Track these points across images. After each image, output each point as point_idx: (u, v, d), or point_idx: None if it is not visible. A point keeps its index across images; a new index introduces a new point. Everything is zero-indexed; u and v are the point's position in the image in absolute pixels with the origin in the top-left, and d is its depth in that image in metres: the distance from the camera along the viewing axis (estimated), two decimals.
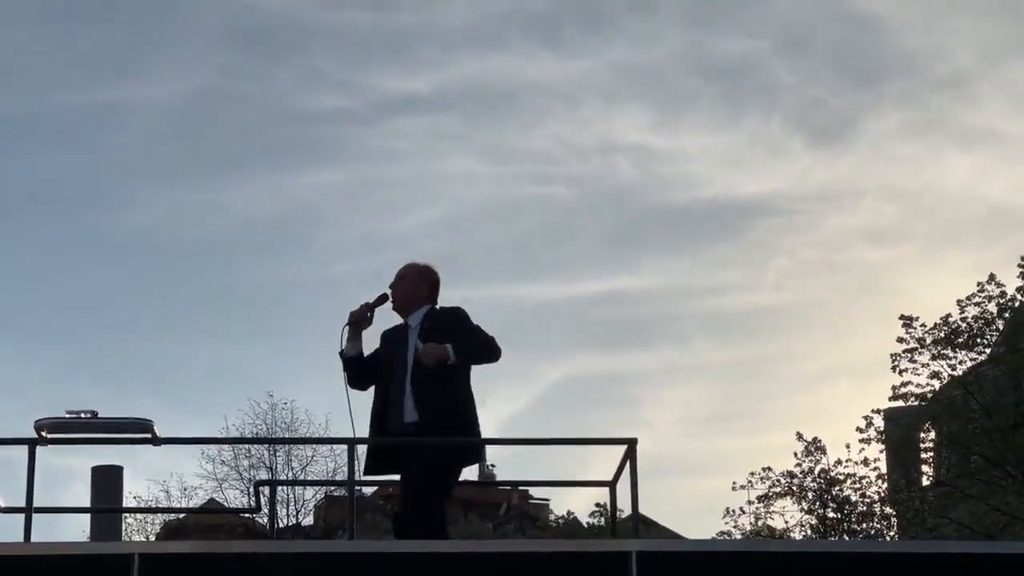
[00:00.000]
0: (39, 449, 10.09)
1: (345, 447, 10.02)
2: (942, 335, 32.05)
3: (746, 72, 40.45)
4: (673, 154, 42.71)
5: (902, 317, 32.45)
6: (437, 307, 10.31)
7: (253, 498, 11.98)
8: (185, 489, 38.80)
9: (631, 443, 9.82)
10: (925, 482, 34.58)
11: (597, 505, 38.21)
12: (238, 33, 36.66)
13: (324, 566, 8.98)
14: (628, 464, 9.74)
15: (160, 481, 37.18)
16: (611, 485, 10.44)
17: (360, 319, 10.12)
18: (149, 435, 10.39)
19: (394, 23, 38.10)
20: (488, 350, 10.00)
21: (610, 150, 41.56)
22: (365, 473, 10.15)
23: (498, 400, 41.46)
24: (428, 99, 40.68)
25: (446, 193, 37.28)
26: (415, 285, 10.29)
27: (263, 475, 36.99)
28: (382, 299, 10.23)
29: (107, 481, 13.13)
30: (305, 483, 48.23)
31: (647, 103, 43.16)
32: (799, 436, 35.66)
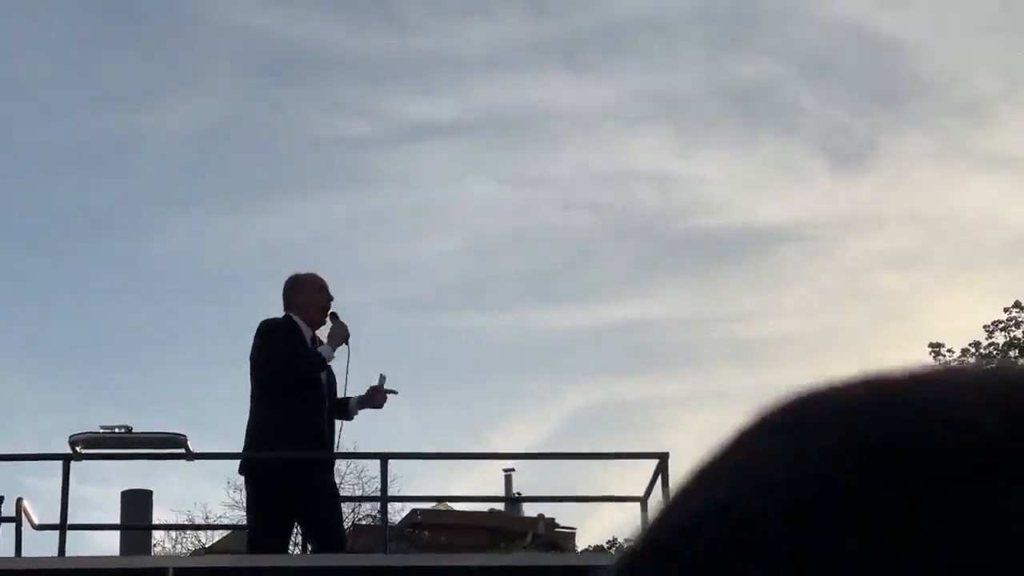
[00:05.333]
0: (73, 464, 10.15)
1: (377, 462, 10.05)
2: (972, 361, 31.98)
3: (766, 96, 40.43)
4: (694, 180, 42.71)
5: (931, 345, 32.40)
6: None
7: None
8: (208, 518, 38.85)
9: (663, 457, 9.82)
10: None
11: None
12: (259, 59, 36.74)
13: None
14: (660, 479, 9.73)
15: (185, 511, 37.13)
16: (642, 500, 10.45)
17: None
18: (183, 450, 10.44)
19: (415, 48, 38.14)
20: None
21: (631, 176, 41.53)
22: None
23: (520, 426, 41.42)
24: (449, 125, 40.74)
25: (467, 219, 37.31)
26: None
27: None
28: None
29: (137, 505, 13.16)
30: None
31: (668, 128, 43.15)
32: None
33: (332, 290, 9.55)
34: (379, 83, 38.81)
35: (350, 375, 9.54)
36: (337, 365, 9.51)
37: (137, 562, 9.61)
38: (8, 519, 10.23)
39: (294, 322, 9.38)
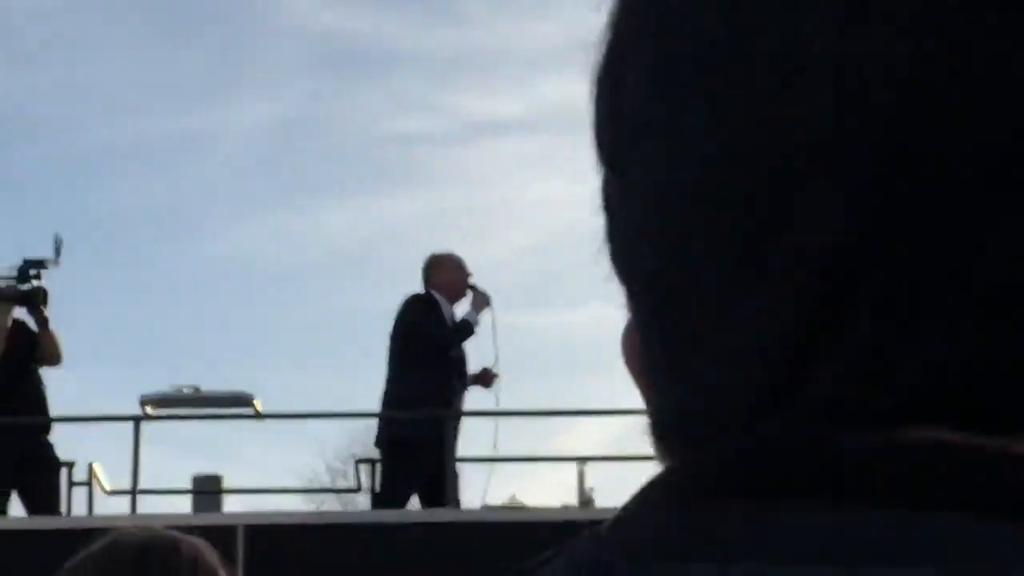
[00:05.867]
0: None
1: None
2: None
3: None
4: None
5: None
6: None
7: (354, 477, 12.06)
8: (280, 481, 39.15)
9: None
10: None
11: None
12: (325, 56, 36.72)
13: (427, 534, 9.02)
14: None
15: (254, 476, 37.38)
16: None
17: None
18: (251, 409, 10.48)
19: (480, 45, 38.03)
20: None
21: None
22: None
23: (591, 428, 41.44)
24: (515, 121, 40.63)
25: (536, 216, 37.27)
26: None
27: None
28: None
29: (207, 487, 13.23)
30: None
31: None
32: None
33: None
34: (444, 80, 38.74)
35: (497, 336, 10.05)
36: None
37: (208, 519, 9.66)
38: (80, 483, 10.31)
39: (436, 298, 9.78)
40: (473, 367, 10.13)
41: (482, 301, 9.94)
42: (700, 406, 0.53)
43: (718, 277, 0.52)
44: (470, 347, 10.06)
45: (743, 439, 0.50)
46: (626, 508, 0.53)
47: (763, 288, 0.50)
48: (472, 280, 10.02)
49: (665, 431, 0.56)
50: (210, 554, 2.06)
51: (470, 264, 10.04)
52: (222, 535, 9.10)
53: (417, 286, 9.93)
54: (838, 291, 0.49)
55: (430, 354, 9.67)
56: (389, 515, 9.46)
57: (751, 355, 0.51)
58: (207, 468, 13.16)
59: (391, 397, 9.82)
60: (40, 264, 9.41)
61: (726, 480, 0.50)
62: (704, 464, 0.51)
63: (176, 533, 2.09)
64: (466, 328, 9.89)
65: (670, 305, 0.54)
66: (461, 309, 9.95)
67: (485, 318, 9.97)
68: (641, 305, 0.56)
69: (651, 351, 0.56)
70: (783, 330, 0.50)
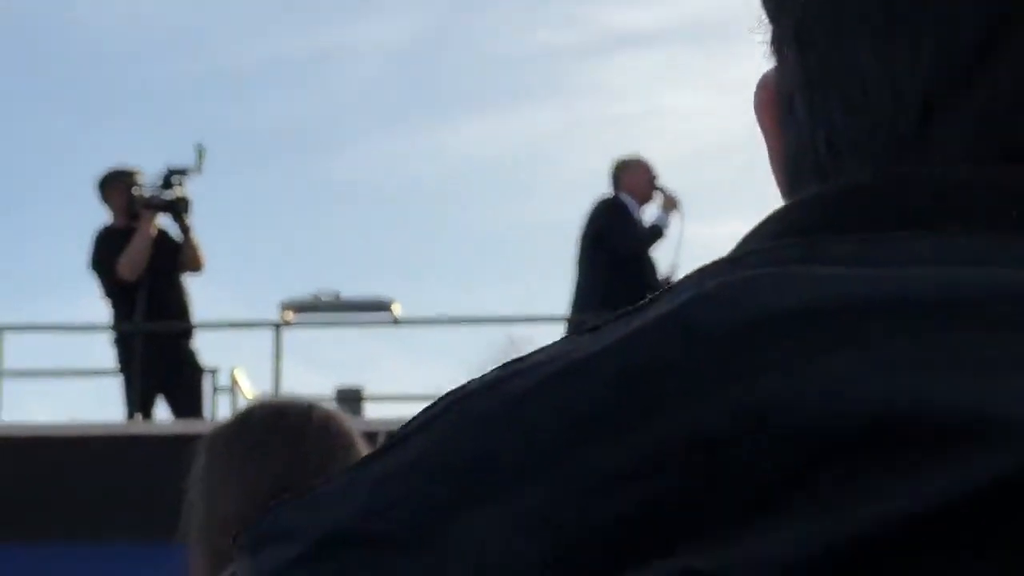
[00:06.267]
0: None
1: None
2: None
3: None
4: None
5: None
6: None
7: None
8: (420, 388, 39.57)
9: None
10: None
11: None
12: None
13: None
14: None
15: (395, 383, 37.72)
16: None
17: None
18: (390, 315, 10.56)
19: None
20: None
21: None
22: None
23: None
24: (653, 32, 40.20)
25: (674, 128, 36.90)
26: None
27: None
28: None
29: (349, 398, 13.37)
30: None
31: None
32: None
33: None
34: None
35: (682, 241, 10.01)
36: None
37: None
38: (223, 389, 10.48)
39: (625, 202, 9.80)
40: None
41: (672, 203, 9.87)
42: (846, 137, 0.57)
43: (872, 14, 0.56)
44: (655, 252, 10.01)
45: (869, 174, 0.55)
46: (745, 239, 0.57)
47: (909, 31, 0.55)
48: (660, 183, 9.96)
49: (794, 173, 0.60)
50: (343, 420, 2.08)
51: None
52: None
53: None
54: (983, 45, 0.54)
55: (621, 258, 9.62)
56: None
57: (892, 96, 0.55)
58: (347, 380, 13.30)
59: (581, 303, 9.77)
60: (183, 172, 9.52)
61: (845, 211, 0.54)
62: (825, 197, 0.55)
63: (312, 400, 2.14)
64: (656, 232, 9.84)
65: (820, 39, 0.58)
66: (650, 213, 9.89)
67: (674, 222, 9.91)
68: (789, 44, 0.60)
69: (790, 96, 0.59)
70: (927, 74, 0.55)
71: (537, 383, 0.50)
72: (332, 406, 2.18)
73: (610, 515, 0.46)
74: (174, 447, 9.67)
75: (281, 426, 2.05)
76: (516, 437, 0.48)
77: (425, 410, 0.53)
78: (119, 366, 9.81)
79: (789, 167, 0.60)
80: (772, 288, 0.50)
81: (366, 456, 0.53)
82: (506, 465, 0.48)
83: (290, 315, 10.55)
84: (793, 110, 0.60)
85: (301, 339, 15.73)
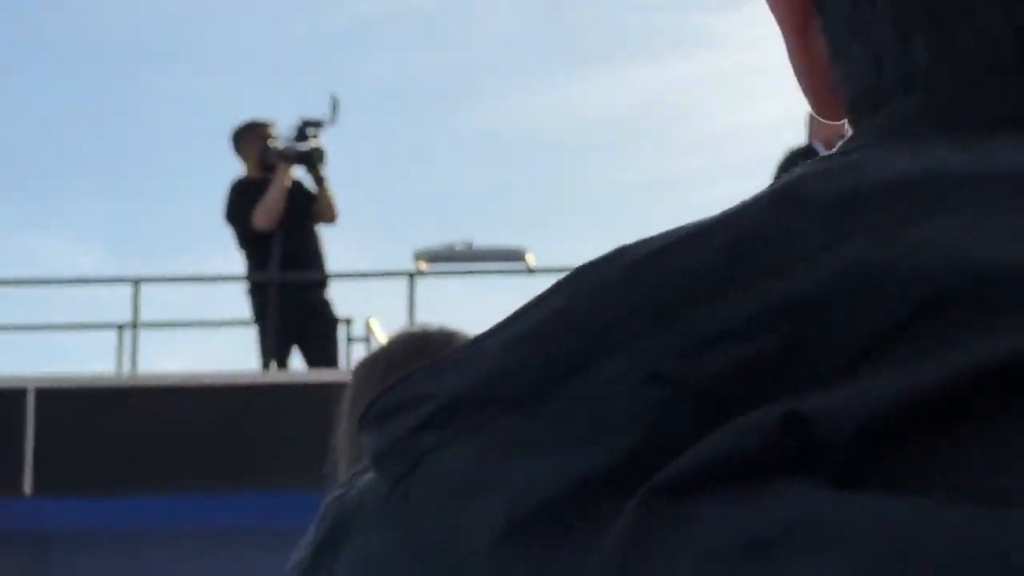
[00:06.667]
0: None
1: None
2: None
3: None
4: None
5: None
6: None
7: None
8: None
9: None
10: None
11: None
12: None
13: None
14: None
15: None
16: None
17: None
18: (524, 264, 10.55)
19: None
20: None
21: None
22: None
23: None
24: None
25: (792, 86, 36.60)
26: None
27: None
28: None
29: None
30: None
31: None
32: None
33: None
34: None
35: None
36: None
37: None
38: (358, 339, 10.53)
39: (817, 149, 9.78)
40: None
41: None
42: (947, 63, 0.59)
43: None
44: None
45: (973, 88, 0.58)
46: (854, 136, 0.61)
47: None
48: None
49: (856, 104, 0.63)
50: None
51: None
52: None
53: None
54: None
55: None
56: None
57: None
58: (481, 330, 13.34)
59: None
60: (317, 124, 9.57)
61: (952, 113, 0.58)
62: (928, 103, 0.59)
63: (453, 329, 2.20)
64: None
65: None
66: None
67: None
68: None
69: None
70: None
71: (658, 248, 0.54)
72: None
73: (720, 368, 0.50)
74: (310, 396, 9.75)
75: (424, 351, 2.09)
76: (636, 296, 0.52)
77: (552, 284, 0.56)
78: (254, 317, 9.90)
79: (855, 95, 0.64)
80: (875, 164, 0.55)
81: (493, 326, 0.55)
82: (627, 322, 0.51)
83: (423, 265, 10.58)
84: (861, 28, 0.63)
85: (435, 288, 15.77)
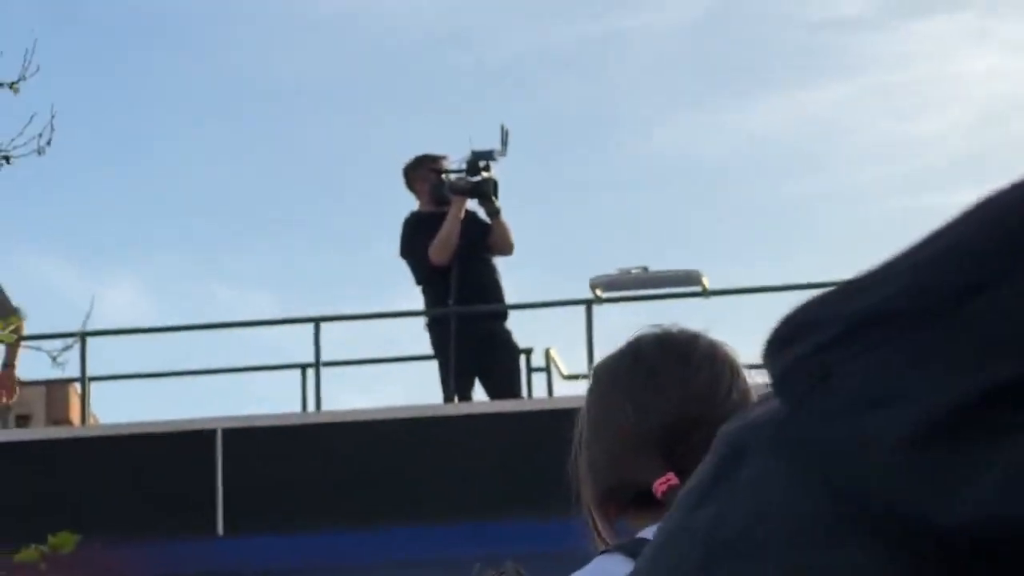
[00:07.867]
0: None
1: None
2: None
3: None
4: None
5: None
6: None
7: None
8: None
9: None
10: None
11: None
12: None
13: None
14: None
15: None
16: None
17: None
18: (700, 287, 10.50)
19: None
20: None
21: None
22: None
23: None
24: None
25: (967, 92, 35.98)
26: None
27: None
28: None
29: None
30: None
31: None
32: None
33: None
34: None
35: None
36: None
37: None
38: (538, 369, 10.55)
39: None
40: None
41: None
42: None
43: None
44: None
45: None
46: None
47: None
48: None
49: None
50: (727, 347, 2.11)
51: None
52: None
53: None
54: None
55: None
56: None
57: None
58: None
59: None
60: (488, 155, 9.61)
61: None
62: None
63: (696, 331, 2.16)
64: None
65: None
66: None
67: None
68: None
69: None
70: None
71: None
72: (718, 340, 2.19)
73: None
74: (493, 425, 9.76)
75: (670, 352, 2.08)
76: None
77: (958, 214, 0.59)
78: (435, 351, 9.96)
79: None
80: None
81: (901, 251, 0.59)
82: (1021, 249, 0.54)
83: (600, 292, 10.58)
84: None
85: (612, 315, 15.77)
